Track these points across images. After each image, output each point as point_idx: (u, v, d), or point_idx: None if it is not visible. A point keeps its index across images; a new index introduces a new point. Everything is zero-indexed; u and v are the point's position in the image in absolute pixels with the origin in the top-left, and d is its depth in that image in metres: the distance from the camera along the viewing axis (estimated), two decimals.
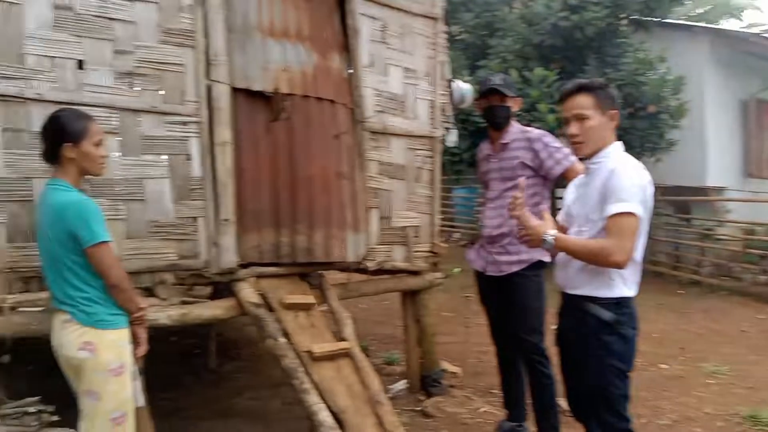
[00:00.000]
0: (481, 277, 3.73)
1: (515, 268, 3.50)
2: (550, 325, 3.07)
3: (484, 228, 3.68)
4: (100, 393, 2.45)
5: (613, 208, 2.33)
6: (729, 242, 9.53)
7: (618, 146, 2.53)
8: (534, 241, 2.57)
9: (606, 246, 2.34)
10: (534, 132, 3.58)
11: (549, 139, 3.51)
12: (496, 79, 3.61)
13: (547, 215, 2.64)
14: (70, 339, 2.44)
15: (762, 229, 9.27)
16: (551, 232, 2.50)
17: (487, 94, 3.58)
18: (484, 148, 3.81)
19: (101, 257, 2.42)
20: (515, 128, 3.62)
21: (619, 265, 2.35)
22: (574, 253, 2.48)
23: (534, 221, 2.58)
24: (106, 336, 2.47)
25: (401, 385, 4.63)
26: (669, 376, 5.19)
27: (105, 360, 2.44)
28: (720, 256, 9.50)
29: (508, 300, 3.57)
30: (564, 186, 3.03)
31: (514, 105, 3.62)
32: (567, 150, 3.39)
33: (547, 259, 3.42)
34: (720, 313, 7.63)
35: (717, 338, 6.55)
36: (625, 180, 2.35)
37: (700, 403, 4.50)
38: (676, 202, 10.38)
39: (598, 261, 2.40)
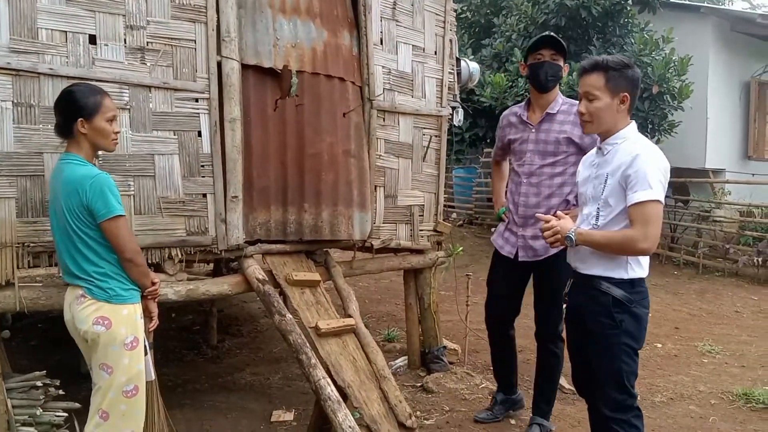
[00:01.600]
0: (504, 261, 3.51)
1: (553, 251, 3.22)
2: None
3: (515, 207, 3.45)
4: (114, 366, 2.48)
5: (639, 196, 2.35)
6: (725, 224, 9.60)
7: (634, 128, 2.53)
8: (559, 240, 2.59)
9: (632, 235, 2.37)
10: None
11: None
12: (548, 36, 3.35)
13: (560, 213, 2.69)
14: (85, 313, 2.45)
15: (759, 211, 9.34)
16: (574, 230, 2.53)
17: (540, 46, 3.30)
18: (518, 112, 3.49)
19: (117, 231, 2.44)
20: (561, 98, 3.37)
21: (646, 252, 2.42)
22: (600, 247, 2.49)
23: (556, 222, 2.60)
24: (120, 310, 2.49)
25: (401, 361, 4.71)
26: (664, 355, 5.29)
27: (119, 334, 2.47)
28: (716, 237, 9.58)
29: (538, 283, 3.48)
30: None
31: (565, 68, 3.36)
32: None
33: None
34: (714, 294, 7.74)
35: (711, 319, 6.66)
36: (650, 167, 2.36)
37: (695, 382, 4.60)
38: (674, 184, 10.41)
39: (625, 251, 2.43)
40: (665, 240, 10.27)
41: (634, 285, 2.49)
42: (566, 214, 2.73)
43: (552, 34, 3.35)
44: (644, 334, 2.56)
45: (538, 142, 3.35)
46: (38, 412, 2.92)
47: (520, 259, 3.44)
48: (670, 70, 8.62)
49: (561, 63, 3.33)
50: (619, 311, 2.47)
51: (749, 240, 8.97)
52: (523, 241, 3.42)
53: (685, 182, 10.26)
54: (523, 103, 3.55)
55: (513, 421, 3.79)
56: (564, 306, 2.73)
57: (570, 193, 3.33)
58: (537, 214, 2.70)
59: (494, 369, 3.90)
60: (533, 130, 3.38)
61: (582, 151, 3.22)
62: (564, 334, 3.11)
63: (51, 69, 2.79)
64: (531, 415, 3.60)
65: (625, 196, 2.41)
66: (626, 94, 2.47)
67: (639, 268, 2.50)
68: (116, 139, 2.58)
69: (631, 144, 2.46)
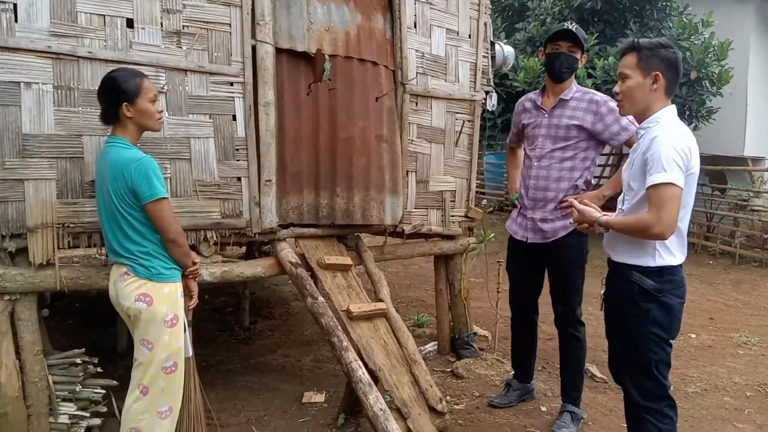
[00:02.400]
0: (518, 245, 3.61)
1: (561, 234, 3.39)
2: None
3: (526, 190, 3.54)
4: (155, 343, 2.55)
5: (653, 179, 2.32)
6: (764, 213, 9.36)
7: (669, 111, 2.48)
8: (586, 227, 2.63)
9: (645, 219, 2.35)
10: (599, 95, 3.41)
11: (614, 104, 3.28)
12: (570, 26, 3.40)
13: (584, 200, 2.70)
14: (128, 291, 2.53)
15: None
16: (599, 217, 2.55)
17: (558, 38, 3.38)
18: (533, 98, 3.59)
19: (161, 213, 2.51)
20: (575, 86, 3.46)
21: (661, 237, 2.35)
22: (621, 232, 2.51)
23: (583, 207, 2.63)
24: (162, 289, 2.56)
25: (430, 346, 4.71)
26: (698, 345, 5.20)
27: (160, 311, 2.54)
28: (754, 227, 9.35)
29: (550, 266, 3.54)
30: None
31: (581, 61, 3.44)
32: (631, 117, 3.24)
33: None
34: (751, 285, 7.57)
35: (747, 310, 6.52)
36: (664, 149, 2.32)
37: (729, 373, 4.52)
38: (712, 172, 10.19)
39: (641, 235, 2.41)
40: (701, 229, 10.07)
41: (663, 273, 2.45)
42: (576, 198, 2.81)
43: (570, 28, 3.38)
44: (677, 324, 2.52)
45: (551, 126, 3.43)
46: (77, 389, 3.01)
47: (529, 242, 3.53)
48: (709, 55, 8.39)
49: (578, 55, 3.39)
50: (645, 300, 2.45)
51: None
52: (533, 224, 3.50)
53: (722, 170, 10.03)
54: (538, 90, 3.63)
55: (544, 408, 3.78)
56: (602, 292, 2.70)
57: (580, 178, 3.42)
58: (569, 198, 2.69)
59: (512, 354, 3.95)
60: (546, 115, 3.47)
61: (594, 138, 3.37)
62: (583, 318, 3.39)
63: (90, 52, 2.84)
64: (561, 402, 3.59)
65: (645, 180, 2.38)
66: (658, 73, 2.43)
67: (669, 255, 2.45)
68: (161, 118, 2.65)
69: (658, 127, 2.42)
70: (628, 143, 3.29)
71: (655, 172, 2.31)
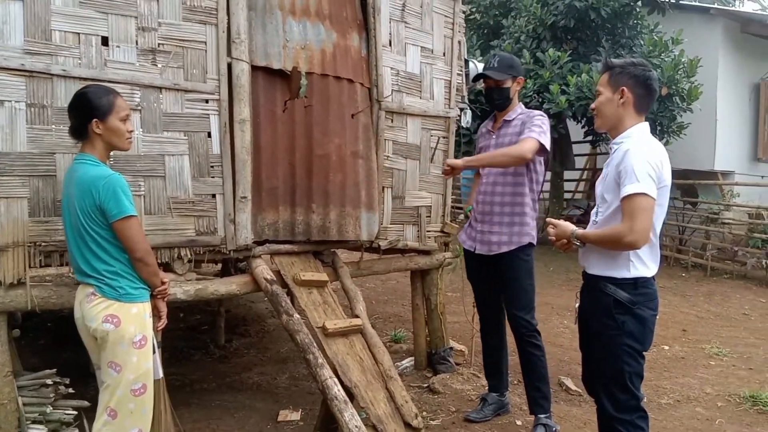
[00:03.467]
0: (470, 255, 3.81)
1: (504, 249, 3.59)
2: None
3: (477, 204, 3.75)
4: (123, 365, 2.50)
5: (626, 190, 2.37)
6: (734, 226, 9.56)
7: (642, 128, 2.54)
8: (564, 243, 2.66)
9: (618, 229, 2.40)
10: (535, 111, 3.65)
11: (543, 119, 3.54)
12: (494, 62, 3.65)
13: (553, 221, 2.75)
14: (95, 311, 2.48)
15: None
16: (574, 231, 2.59)
17: (477, 79, 3.69)
18: (486, 124, 3.86)
19: (129, 231, 2.47)
20: (520, 108, 3.69)
21: (634, 246, 2.40)
22: (595, 244, 2.54)
23: (559, 222, 2.68)
24: (129, 309, 2.52)
25: (407, 362, 4.72)
26: (671, 357, 5.29)
27: (128, 332, 2.49)
28: (725, 240, 9.54)
29: (499, 278, 3.68)
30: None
31: (515, 84, 3.65)
32: (545, 133, 3.46)
33: (534, 240, 3.62)
34: (722, 297, 7.71)
35: (719, 321, 6.64)
36: (637, 161, 2.37)
37: (702, 384, 4.60)
38: (683, 186, 10.38)
39: (615, 246, 2.45)
40: (673, 242, 10.25)
41: (637, 286, 2.49)
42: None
43: (483, 72, 3.67)
44: (650, 336, 2.56)
45: (497, 146, 3.67)
46: (48, 410, 2.95)
47: (476, 252, 3.72)
48: (679, 72, 8.60)
49: (508, 84, 3.62)
50: (620, 312, 2.48)
51: (758, 242, 8.93)
52: (480, 236, 3.69)
53: (693, 184, 10.23)
54: (490, 116, 3.90)
55: (519, 422, 3.81)
56: (576, 305, 2.74)
57: (524, 194, 3.60)
58: (548, 219, 2.76)
59: (484, 363, 4.02)
60: (494, 137, 3.73)
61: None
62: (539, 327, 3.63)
63: (64, 70, 2.83)
64: (533, 416, 3.62)
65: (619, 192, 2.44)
66: (624, 88, 2.52)
67: (642, 266, 2.50)
68: (130, 138, 2.62)
69: (629, 142, 2.48)
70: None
71: (629, 183, 2.37)
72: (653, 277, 2.55)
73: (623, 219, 2.40)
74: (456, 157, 4.65)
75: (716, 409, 4.12)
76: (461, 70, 4.46)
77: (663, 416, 3.97)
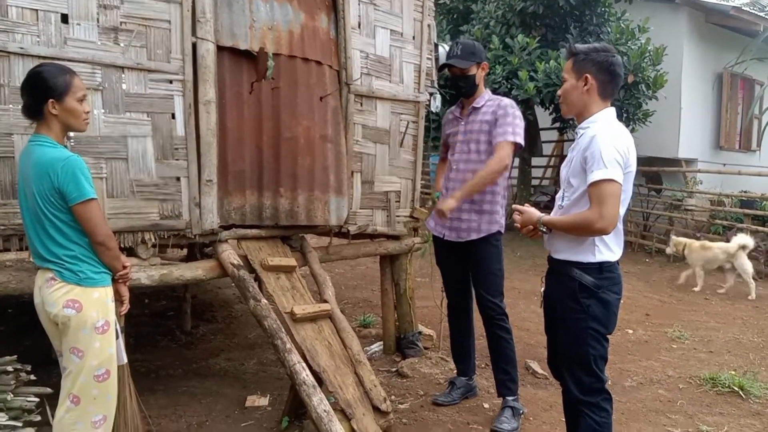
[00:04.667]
0: (439, 242, 3.81)
1: (474, 236, 3.60)
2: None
3: (446, 191, 3.72)
4: (85, 350, 2.44)
5: (594, 176, 2.38)
6: (697, 213, 9.77)
7: (607, 113, 2.55)
8: (530, 229, 2.68)
9: (587, 216, 2.41)
10: (505, 100, 3.61)
11: (515, 111, 3.54)
12: (456, 49, 3.63)
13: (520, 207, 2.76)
14: (55, 297, 2.41)
15: (729, 200, 9.53)
16: (540, 218, 2.61)
17: (442, 69, 3.64)
18: (454, 111, 3.83)
19: (89, 214, 2.40)
20: (487, 95, 3.68)
21: (604, 232, 2.41)
22: (563, 230, 2.56)
23: (525, 208, 2.70)
24: (91, 294, 2.45)
25: (376, 347, 4.73)
26: (634, 340, 5.39)
27: (90, 317, 2.43)
28: (687, 226, 9.75)
29: (470, 263, 3.69)
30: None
31: (480, 71, 3.65)
32: (519, 130, 3.48)
33: (503, 229, 3.65)
34: (684, 282, 7.88)
35: (681, 306, 6.80)
36: (604, 147, 2.38)
37: (664, 367, 4.70)
38: (647, 173, 10.56)
39: (583, 232, 2.47)
40: (638, 228, 10.43)
41: (602, 270, 2.51)
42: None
43: (446, 62, 3.66)
44: (614, 320, 2.59)
45: (465, 132, 3.67)
46: (9, 397, 2.87)
47: (446, 239, 3.73)
48: (645, 60, 8.72)
49: (473, 71, 3.61)
50: (585, 296, 2.51)
51: (719, 229, 9.16)
52: (450, 223, 3.68)
53: (658, 171, 10.42)
54: (457, 103, 3.84)
55: (486, 405, 3.84)
56: (542, 289, 2.76)
57: (493, 183, 3.54)
58: (513, 206, 2.76)
59: (452, 346, 4.06)
60: (462, 123, 3.71)
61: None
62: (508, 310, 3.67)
63: (21, 48, 2.73)
64: (501, 398, 3.66)
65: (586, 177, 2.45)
66: (587, 75, 2.52)
67: (607, 250, 2.52)
68: (87, 119, 2.53)
69: (598, 127, 2.49)
70: (495, 148, 3.48)
71: (596, 169, 2.37)
72: (617, 262, 2.57)
73: (591, 205, 2.41)
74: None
75: (678, 391, 4.22)
76: (431, 54, 4.44)
77: (627, 398, 4.04)
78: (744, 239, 7.24)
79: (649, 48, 8.78)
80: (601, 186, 2.37)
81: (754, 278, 7.31)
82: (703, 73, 11.24)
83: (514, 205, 2.81)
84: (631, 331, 5.63)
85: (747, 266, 7.16)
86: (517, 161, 10.51)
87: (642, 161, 10.78)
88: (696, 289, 7.51)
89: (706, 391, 4.22)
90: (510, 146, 3.44)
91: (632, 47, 8.82)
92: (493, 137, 3.52)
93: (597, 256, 2.51)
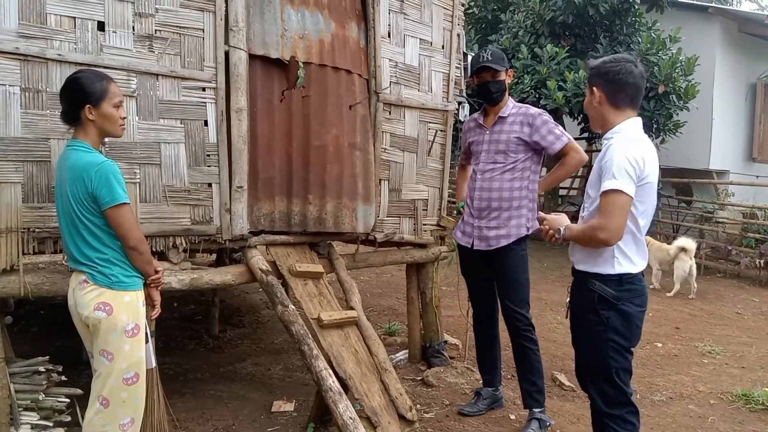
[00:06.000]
0: (466, 251, 3.77)
1: (503, 243, 3.57)
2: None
3: (471, 200, 3.71)
4: (115, 353, 2.48)
5: (604, 185, 2.38)
6: (728, 225, 9.59)
7: (632, 123, 2.53)
8: (551, 234, 2.67)
9: (593, 225, 2.41)
10: (533, 109, 3.64)
11: (548, 116, 3.60)
12: (486, 55, 3.63)
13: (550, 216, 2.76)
14: (87, 299, 2.46)
15: (762, 213, 9.33)
16: (565, 225, 2.60)
17: (478, 71, 3.62)
18: (477, 118, 3.80)
19: (121, 219, 2.44)
20: (512, 103, 3.68)
21: (608, 243, 2.40)
22: (575, 240, 2.59)
23: (552, 216, 2.70)
24: (122, 297, 2.49)
25: (401, 355, 4.72)
26: (664, 354, 5.30)
27: (120, 321, 2.47)
28: (718, 239, 9.57)
29: (496, 273, 3.66)
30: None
31: (507, 78, 3.66)
32: (561, 129, 3.56)
33: (530, 230, 3.63)
34: (716, 296, 7.74)
35: (712, 320, 6.66)
36: (617, 157, 2.37)
37: (694, 382, 4.61)
38: (678, 184, 10.40)
39: (590, 242, 2.47)
40: (667, 240, 10.27)
41: (623, 282, 2.48)
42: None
43: (484, 63, 3.60)
44: (637, 332, 2.55)
45: (491, 142, 3.64)
46: (40, 397, 2.94)
47: (474, 248, 3.69)
48: (676, 70, 8.61)
49: (502, 77, 3.62)
50: (605, 308, 2.48)
51: (751, 242, 8.96)
52: (478, 232, 3.66)
53: (688, 183, 10.26)
54: (479, 110, 3.84)
55: (513, 416, 3.80)
56: (567, 300, 2.74)
57: (521, 188, 3.60)
58: (539, 214, 2.76)
59: (478, 357, 4.02)
60: (487, 132, 3.67)
61: (532, 149, 3.59)
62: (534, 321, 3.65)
63: (59, 55, 2.79)
64: (527, 410, 3.62)
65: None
66: (594, 87, 2.55)
67: (628, 262, 2.49)
68: (123, 125, 2.59)
69: (619, 137, 2.48)
70: (565, 152, 3.54)
71: (607, 179, 2.37)
72: (642, 273, 2.54)
73: (598, 215, 2.41)
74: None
75: (709, 407, 4.14)
76: (460, 63, 4.44)
77: (656, 413, 3.97)
78: (684, 242, 7.61)
79: (680, 58, 8.68)
80: (608, 197, 2.37)
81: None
82: (736, 84, 11.06)
83: (540, 213, 2.80)
84: (660, 345, 5.53)
85: (685, 268, 7.53)
86: (544, 171, 10.44)
87: (672, 172, 10.67)
88: (669, 294, 7.66)
89: (739, 407, 4.13)
90: (574, 143, 3.51)
91: (663, 57, 8.72)
92: (545, 149, 3.55)
93: (617, 267, 2.48)
